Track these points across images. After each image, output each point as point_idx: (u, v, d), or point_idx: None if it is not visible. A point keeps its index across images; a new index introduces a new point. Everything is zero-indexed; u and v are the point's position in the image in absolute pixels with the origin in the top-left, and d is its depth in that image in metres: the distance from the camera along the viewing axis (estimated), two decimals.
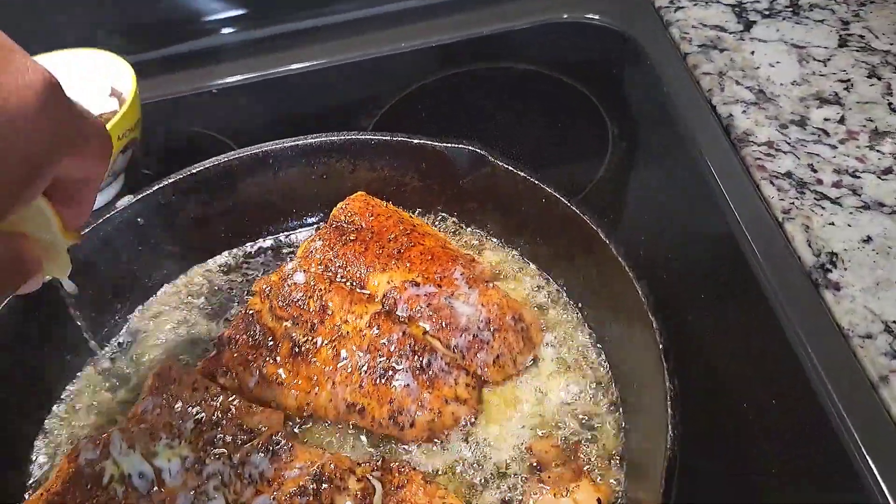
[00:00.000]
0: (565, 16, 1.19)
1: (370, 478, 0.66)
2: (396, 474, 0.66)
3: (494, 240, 0.89)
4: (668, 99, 1.05)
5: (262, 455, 0.68)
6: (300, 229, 0.95)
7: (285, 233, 0.95)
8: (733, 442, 0.72)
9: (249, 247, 0.95)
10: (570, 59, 1.14)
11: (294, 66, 1.20)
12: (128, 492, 0.69)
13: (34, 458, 0.78)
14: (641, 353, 0.68)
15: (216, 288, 0.92)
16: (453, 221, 0.92)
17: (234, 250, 0.94)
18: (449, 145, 0.87)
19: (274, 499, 0.65)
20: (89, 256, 0.83)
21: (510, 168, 0.83)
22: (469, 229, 0.91)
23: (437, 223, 0.92)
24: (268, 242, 0.95)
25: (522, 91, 1.13)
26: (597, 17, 1.19)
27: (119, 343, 0.87)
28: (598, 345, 0.78)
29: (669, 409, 0.61)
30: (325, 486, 0.65)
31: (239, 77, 1.21)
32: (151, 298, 0.90)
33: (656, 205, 0.95)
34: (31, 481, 0.76)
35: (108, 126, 0.95)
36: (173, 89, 1.19)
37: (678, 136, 1.01)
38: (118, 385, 0.83)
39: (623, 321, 0.73)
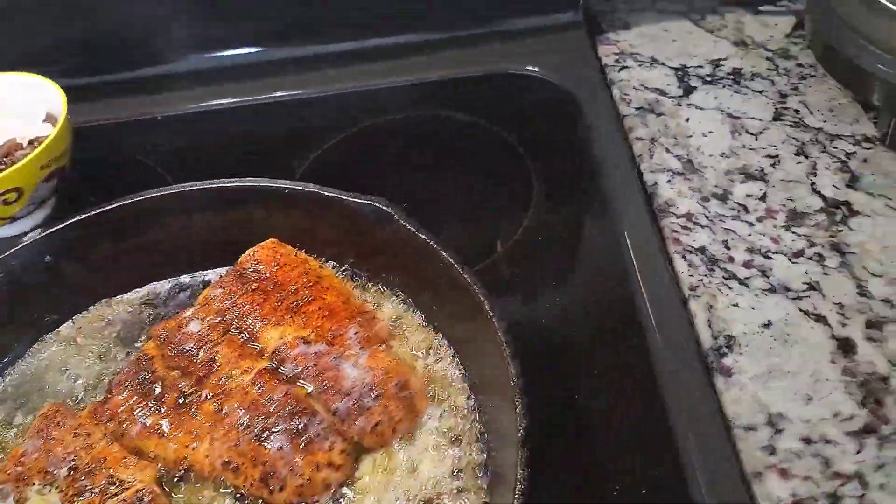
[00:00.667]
0: (510, 69, 1.19)
1: None
2: None
3: (397, 296, 0.89)
4: (598, 162, 1.06)
5: None
6: (214, 271, 0.95)
7: (202, 272, 0.96)
8: None
9: (168, 283, 0.95)
10: (508, 112, 1.14)
11: (238, 99, 1.21)
12: None
13: None
14: (511, 433, 0.68)
15: (129, 323, 0.92)
16: (362, 274, 0.92)
17: (152, 285, 0.95)
18: (358, 200, 0.87)
19: None
20: None
21: (411, 228, 0.83)
22: (375, 284, 0.91)
23: (344, 275, 0.92)
24: (185, 280, 0.95)
25: (459, 141, 1.14)
26: (541, 71, 1.19)
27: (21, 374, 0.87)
28: (479, 416, 0.78)
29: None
30: None
31: (184, 107, 1.21)
32: (58, 330, 0.91)
33: (566, 269, 0.95)
34: None
35: (33, 154, 0.96)
36: (115, 114, 1.19)
37: (602, 202, 1.02)
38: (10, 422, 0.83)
39: (499, 397, 0.73)
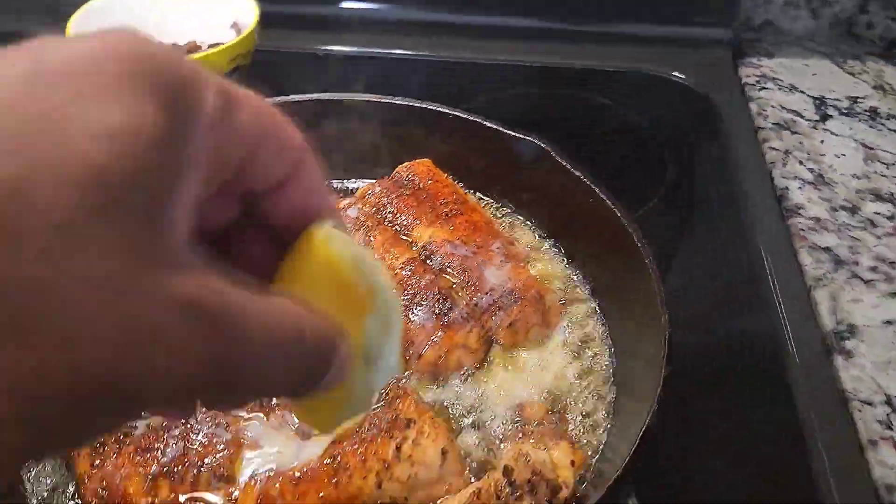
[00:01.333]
0: (653, 71, 1.26)
1: None
2: (393, 389, 0.70)
3: (538, 232, 0.95)
4: (730, 160, 1.10)
5: None
6: (366, 179, 1.02)
7: (353, 180, 1.03)
8: (703, 452, 0.75)
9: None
10: (648, 106, 1.20)
11: (403, 52, 1.29)
12: None
13: None
14: (645, 352, 0.72)
15: None
16: (506, 208, 0.97)
17: None
18: (517, 135, 0.94)
19: None
20: None
21: (567, 166, 0.89)
22: (518, 218, 0.96)
23: (489, 206, 0.97)
24: (335, 185, 1.02)
25: (595, 119, 1.20)
26: (683, 77, 1.25)
27: None
28: (608, 342, 0.81)
29: (659, 390, 0.64)
30: None
31: (350, 48, 1.29)
32: None
33: (692, 246, 0.99)
34: None
35: (223, 47, 1.05)
36: (284, 44, 1.28)
37: (730, 193, 1.06)
38: None
39: (637, 319, 0.77)
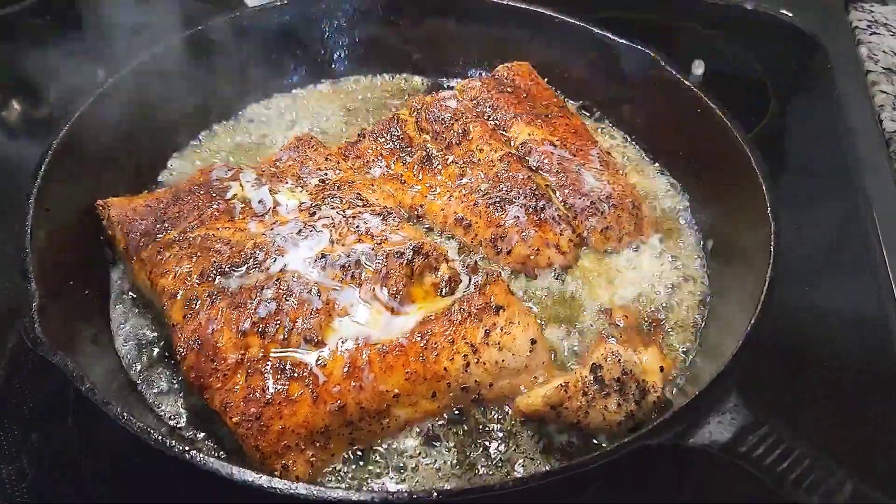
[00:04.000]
0: (761, 7, 1.21)
1: (460, 270, 0.70)
2: (485, 276, 0.69)
3: (636, 144, 0.92)
4: (837, 100, 1.06)
5: (375, 216, 0.73)
6: (459, 78, 0.99)
7: (447, 78, 1.01)
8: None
9: (409, 76, 1.01)
10: (755, 41, 1.16)
11: None
12: (245, 209, 0.75)
13: (169, 165, 0.86)
14: (747, 258, 0.70)
15: (363, 97, 0.98)
16: (604, 119, 0.95)
17: (399, 75, 1.00)
18: (626, 42, 0.90)
19: (372, 250, 0.69)
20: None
21: (678, 76, 0.85)
22: (615, 129, 0.94)
23: (585, 115, 0.95)
24: (428, 79, 1.00)
25: (703, 45, 1.16)
26: (792, 16, 1.20)
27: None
28: (703, 255, 0.79)
29: (763, 295, 0.62)
30: (419, 258, 0.68)
31: None
32: (311, 86, 0.98)
33: (792, 183, 0.95)
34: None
35: None
36: None
37: (834, 132, 1.02)
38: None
39: (739, 229, 0.74)
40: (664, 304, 0.74)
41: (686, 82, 0.84)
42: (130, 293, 0.74)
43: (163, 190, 0.79)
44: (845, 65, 1.12)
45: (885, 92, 1.07)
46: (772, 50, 1.16)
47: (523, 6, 0.95)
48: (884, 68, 1.12)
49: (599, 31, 0.91)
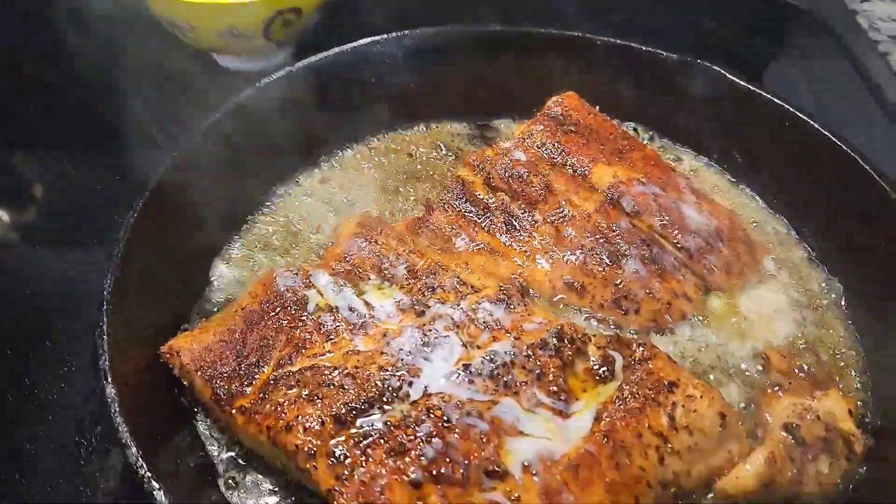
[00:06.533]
0: None
1: (608, 349, 0.62)
2: (637, 349, 0.61)
3: (698, 154, 0.87)
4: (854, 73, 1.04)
5: (496, 304, 0.64)
6: (499, 119, 0.91)
7: (484, 119, 0.92)
8: None
9: (446, 124, 0.92)
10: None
11: None
12: (336, 322, 0.64)
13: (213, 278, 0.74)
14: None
15: (408, 154, 0.88)
16: (664, 139, 0.89)
17: (433, 124, 0.91)
18: (674, 56, 0.85)
19: (513, 346, 0.60)
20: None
21: (735, 80, 0.82)
22: (679, 146, 0.88)
23: (643, 137, 0.89)
24: (463, 124, 0.92)
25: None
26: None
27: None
28: (822, 266, 0.75)
29: None
30: (566, 344, 0.61)
31: None
32: (343, 154, 0.87)
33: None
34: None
35: None
36: None
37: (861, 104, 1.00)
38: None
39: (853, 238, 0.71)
40: (813, 335, 0.69)
41: (755, 89, 0.80)
42: (231, 453, 0.62)
43: (225, 315, 0.67)
44: (853, 38, 1.11)
45: None
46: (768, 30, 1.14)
47: (552, 32, 0.88)
48: (889, 37, 1.11)
49: (640, 47, 0.86)
